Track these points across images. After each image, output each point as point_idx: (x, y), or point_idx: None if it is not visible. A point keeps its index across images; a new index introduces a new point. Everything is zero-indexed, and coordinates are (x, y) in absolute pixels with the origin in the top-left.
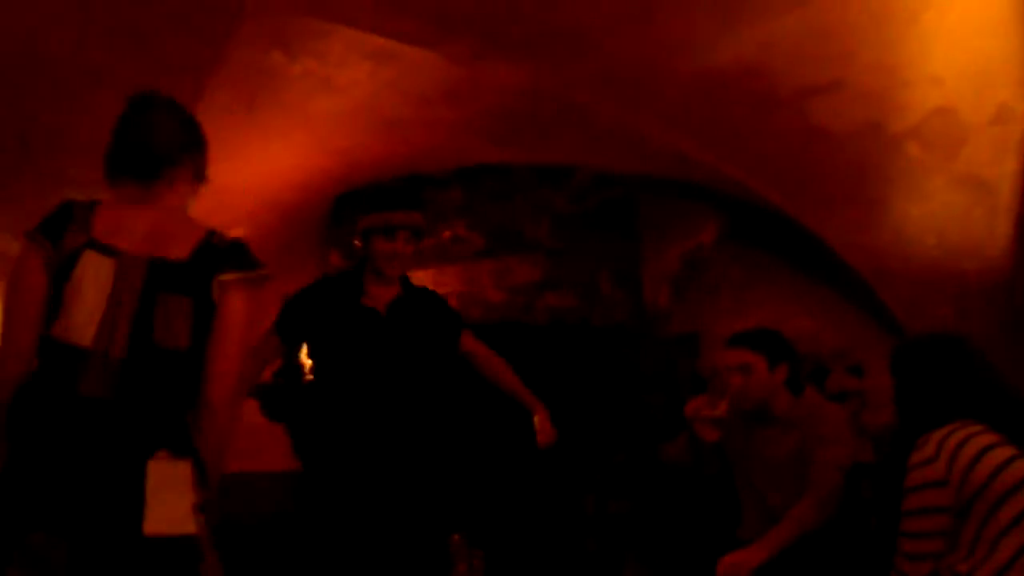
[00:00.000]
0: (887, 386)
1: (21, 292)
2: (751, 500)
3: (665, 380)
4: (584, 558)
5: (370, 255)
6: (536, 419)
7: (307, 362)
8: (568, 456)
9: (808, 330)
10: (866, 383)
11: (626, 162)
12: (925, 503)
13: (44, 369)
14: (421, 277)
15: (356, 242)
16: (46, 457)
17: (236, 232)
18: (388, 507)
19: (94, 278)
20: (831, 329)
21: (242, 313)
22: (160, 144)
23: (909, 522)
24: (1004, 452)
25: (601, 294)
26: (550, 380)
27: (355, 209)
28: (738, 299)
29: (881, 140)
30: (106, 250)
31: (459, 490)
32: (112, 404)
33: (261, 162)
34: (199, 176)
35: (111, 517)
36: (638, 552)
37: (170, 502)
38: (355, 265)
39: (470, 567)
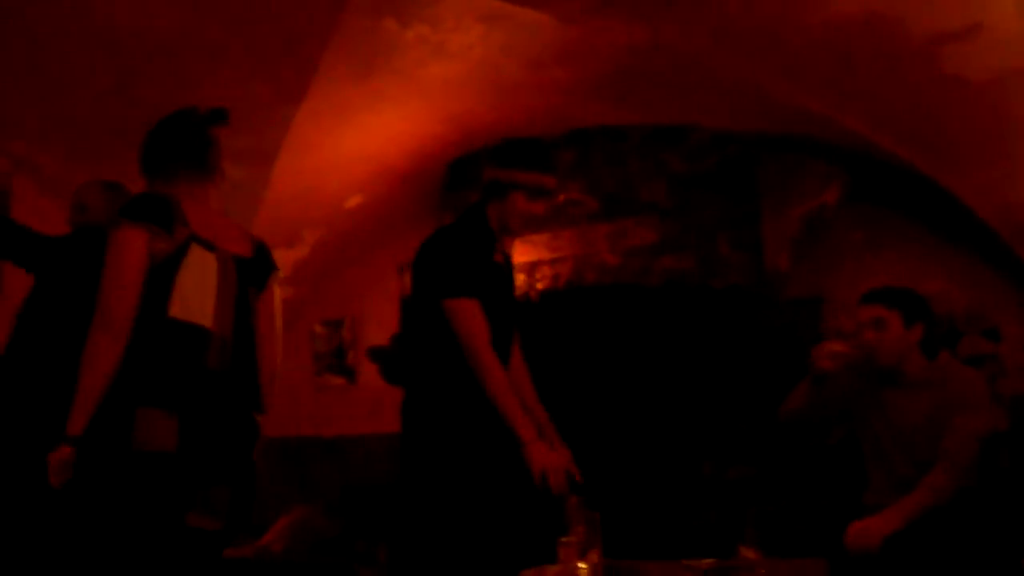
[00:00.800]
0: None
1: (133, 271)
2: (879, 466)
3: (786, 344)
4: (702, 524)
5: (504, 211)
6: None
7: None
8: (686, 421)
9: (939, 292)
10: (1002, 348)
11: (745, 120)
12: None
13: (170, 346)
14: (536, 241)
15: (484, 194)
16: (201, 423)
17: (353, 200)
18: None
19: (202, 270)
20: (964, 291)
21: (280, 300)
22: (216, 148)
23: None
24: None
25: (719, 256)
26: (667, 343)
27: (477, 167)
28: (862, 262)
29: (1020, 84)
30: (207, 245)
31: (578, 453)
32: (228, 376)
33: (375, 129)
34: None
35: (246, 458)
36: (758, 519)
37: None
38: (472, 218)
39: (588, 529)
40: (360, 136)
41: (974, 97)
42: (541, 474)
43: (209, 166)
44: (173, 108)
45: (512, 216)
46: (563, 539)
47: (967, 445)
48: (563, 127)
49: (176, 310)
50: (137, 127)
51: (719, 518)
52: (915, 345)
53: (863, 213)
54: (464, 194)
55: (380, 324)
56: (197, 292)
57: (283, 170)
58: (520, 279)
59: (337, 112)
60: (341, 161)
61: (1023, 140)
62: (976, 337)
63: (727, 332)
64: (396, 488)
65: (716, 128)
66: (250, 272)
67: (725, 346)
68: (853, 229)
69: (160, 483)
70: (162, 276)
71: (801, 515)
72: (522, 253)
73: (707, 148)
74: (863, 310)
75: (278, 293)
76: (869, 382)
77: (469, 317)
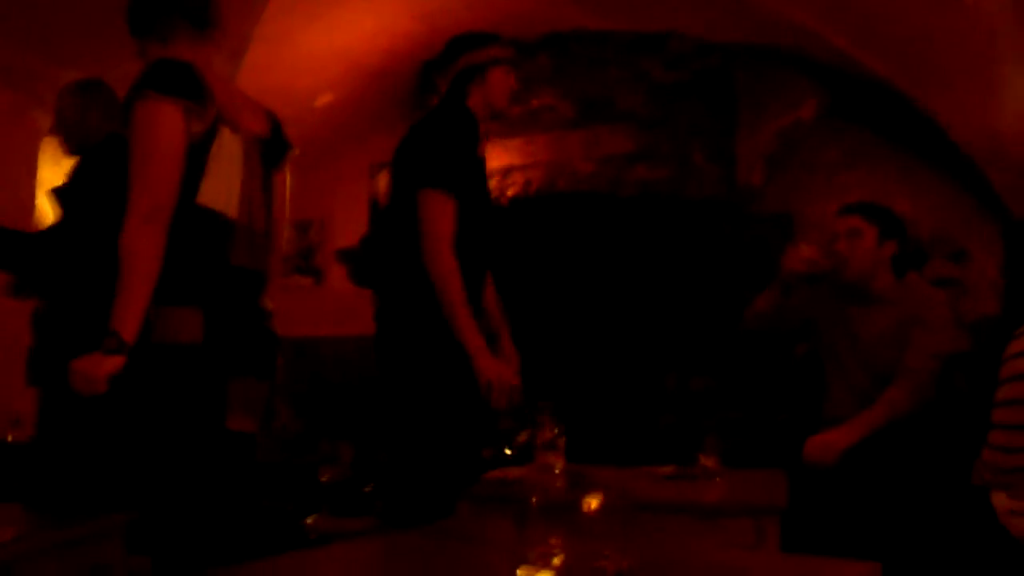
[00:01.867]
0: (989, 275)
1: (173, 151)
2: (839, 379)
3: (756, 259)
4: (662, 433)
5: (487, 91)
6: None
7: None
8: (652, 331)
9: (908, 213)
10: (967, 271)
11: (726, 30)
12: (1019, 394)
13: (194, 237)
14: (509, 146)
15: (458, 83)
16: (226, 319)
17: (325, 98)
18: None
19: (229, 154)
20: (932, 213)
21: (288, 181)
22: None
23: (1001, 413)
24: None
25: (693, 167)
26: (637, 253)
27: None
28: (834, 180)
29: (1018, 6)
30: (233, 127)
31: (543, 360)
32: (256, 274)
33: (347, 25)
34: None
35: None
36: (719, 429)
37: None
38: (452, 108)
39: (553, 434)
40: (332, 32)
41: (966, 17)
42: (487, 386)
43: (210, 20)
44: None
45: (498, 93)
46: (530, 442)
47: (927, 362)
48: (539, 30)
49: (205, 198)
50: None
51: (680, 428)
52: (887, 261)
53: (838, 130)
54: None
55: (349, 226)
56: (223, 178)
57: (252, 65)
58: (492, 184)
59: (308, 6)
60: (312, 58)
61: (1011, 65)
62: (942, 260)
63: (697, 244)
64: (364, 389)
65: (696, 36)
66: (268, 152)
67: (695, 258)
68: (827, 146)
69: (190, 376)
70: (192, 160)
71: (762, 427)
72: (494, 158)
73: (687, 57)
74: (840, 221)
75: (288, 174)
76: (835, 296)
77: (439, 213)
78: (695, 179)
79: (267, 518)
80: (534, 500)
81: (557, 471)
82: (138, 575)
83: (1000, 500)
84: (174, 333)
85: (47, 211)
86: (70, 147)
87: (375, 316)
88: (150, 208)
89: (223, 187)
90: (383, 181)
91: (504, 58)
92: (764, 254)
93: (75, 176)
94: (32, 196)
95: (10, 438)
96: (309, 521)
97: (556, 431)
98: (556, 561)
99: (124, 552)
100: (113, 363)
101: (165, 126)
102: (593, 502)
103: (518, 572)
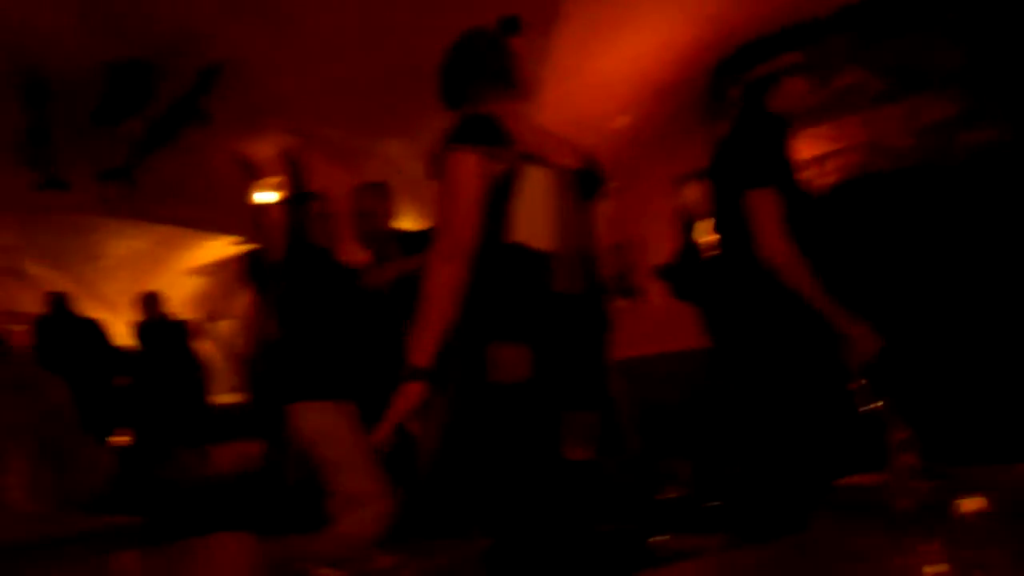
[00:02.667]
0: None
1: (471, 194)
2: None
3: None
4: None
5: (784, 100)
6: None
7: (706, 239)
8: (1006, 313)
9: None
10: None
11: None
12: None
13: (512, 272)
14: (818, 133)
15: (753, 95)
16: (560, 348)
17: (621, 121)
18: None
19: (540, 189)
20: None
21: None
22: (515, 58)
23: None
24: None
25: None
26: (971, 224)
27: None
28: None
29: None
30: (542, 162)
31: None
32: (577, 297)
33: (632, 47)
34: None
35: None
36: None
37: None
38: (757, 115)
39: (908, 432)
40: (618, 55)
41: None
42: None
43: (513, 79)
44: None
45: (793, 100)
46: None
47: None
48: (832, 4)
49: (517, 234)
50: (402, 79)
51: None
52: None
53: None
54: (732, 99)
55: (661, 242)
56: (535, 212)
57: (545, 103)
58: (807, 174)
59: (598, 35)
60: (602, 85)
61: None
62: None
63: None
64: (695, 404)
65: None
66: (583, 184)
67: None
68: None
69: (520, 414)
70: (498, 199)
71: None
72: (805, 148)
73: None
74: None
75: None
76: None
77: (769, 209)
78: None
79: (611, 541)
80: (905, 505)
81: (918, 472)
82: None
83: None
84: (505, 372)
85: None
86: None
87: (706, 328)
88: (449, 247)
89: (535, 221)
90: (690, 192)
91: (797, 65)
92: None
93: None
94: None
95: None
96: (656, 540)
97: (911, 429)
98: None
99: None
100: (412, 389)
101: (460, 173)
102: (973, 505)
103: None
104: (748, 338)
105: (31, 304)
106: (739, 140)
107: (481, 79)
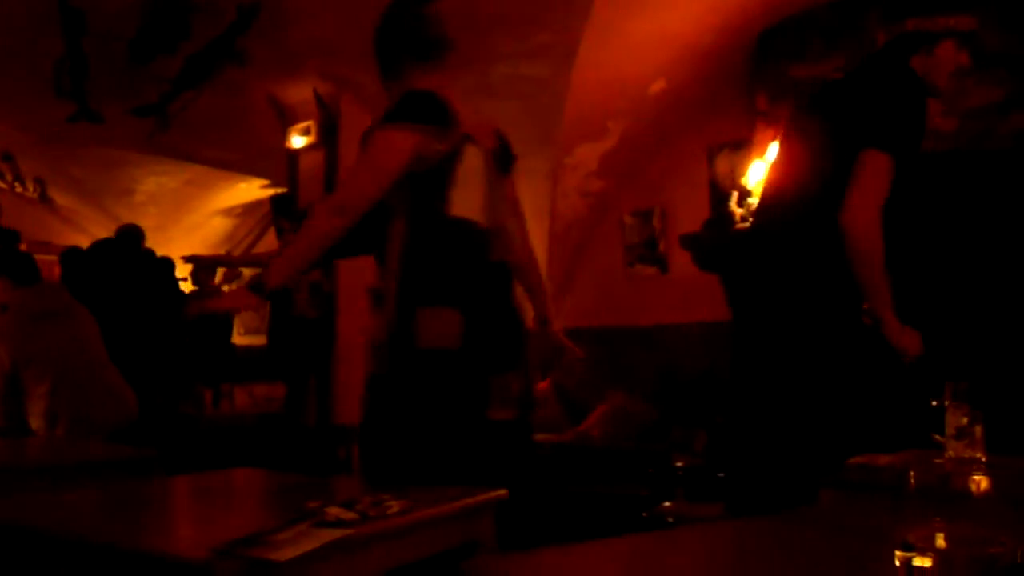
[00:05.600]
0: None
1: (390, 169)
2: None
3: None
4: None
5: (931, 65)
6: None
7: (738, 209)
8: None
9: None
10: None
11: None
12: None
13: (449, 243)
14: None
15: (903, 48)
16: (491, 310)
17: (657, 85)
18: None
19: (474, 168)
20: None
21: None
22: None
23: None
24: None
25: None
26: (1015, 211)
27: (796, 33)
28: None
29: None
30: (476, 143)
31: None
32: (504, 268)
33: (676, 9)
34: None
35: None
36: None
37: None
38: (897, 67)
39: (967, 421)
40: (660, 17)
41: None
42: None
43: (433, 51)
44: None
45: (941, 70)
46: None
47: None
48: None
49: (456, 208)
50: None
51: None
52: None
53: None
54: (781, 65)
55: (690, 211)
56: (472, 189)
57: (584, 62)
58: None
59: None
60: (642, 46)
61: None
62: None
63: None
64: (714, 374)
65: None
66: (499, 163)
67: None
68: None
69: (450, 379)
70: (438, 175)
71: None
72: None
73: None
74: None
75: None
76: None
77: (882, 177)
78: None
79: (621, 504)
80: (912, 480)
81: (977, 464)
82: (506, 552)
83: None
84: (436, 338)
85: None
86: None
87: (728, 301)
88: (344, 204)
89: (472, 197)
90: (724, 162)
91: (963, 31)
92: None
93: None
94: None
95: None
96: (665, 506)
97: (972, 417)
98: (939, 543)
99: (494, 529)
100: (250, 297)
101: (387, 149)
102: (981, 484)
103: (896, 554)
104: (775, 316)
105: (59, 235)
106: (873, 91)
107: (398, 50)
